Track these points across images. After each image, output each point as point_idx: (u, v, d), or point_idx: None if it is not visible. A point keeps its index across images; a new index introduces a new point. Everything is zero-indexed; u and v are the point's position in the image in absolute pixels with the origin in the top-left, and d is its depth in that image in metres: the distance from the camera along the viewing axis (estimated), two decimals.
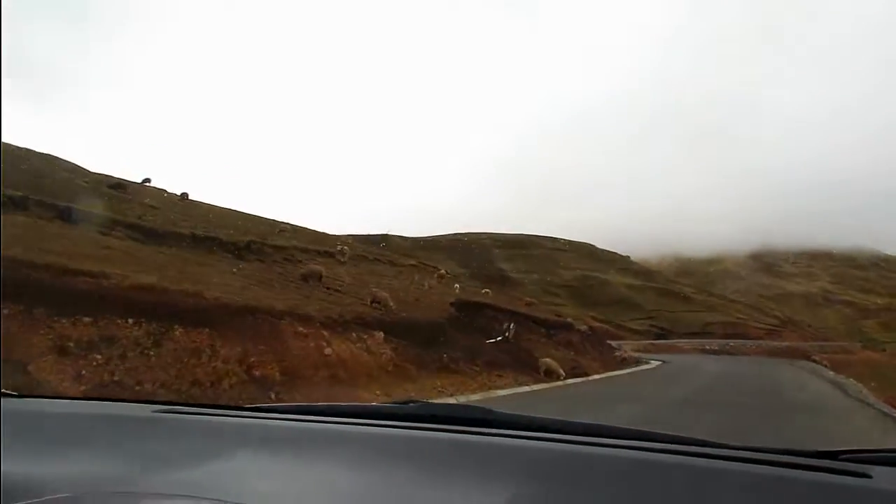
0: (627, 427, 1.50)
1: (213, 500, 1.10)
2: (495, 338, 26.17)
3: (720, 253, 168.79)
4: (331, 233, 47.11)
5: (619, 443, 1.35)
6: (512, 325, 31.28)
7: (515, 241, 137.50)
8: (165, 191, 41.62)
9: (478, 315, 28.10)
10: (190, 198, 39.63)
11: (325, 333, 15.58)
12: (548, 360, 23.39)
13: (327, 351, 14.81)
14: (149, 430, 1.64)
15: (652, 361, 46.97)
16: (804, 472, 1.19)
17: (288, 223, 38.04)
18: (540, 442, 1.37)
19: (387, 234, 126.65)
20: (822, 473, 1.18)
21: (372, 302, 20.21)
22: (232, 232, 26.28)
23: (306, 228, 38.51)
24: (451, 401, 12.81)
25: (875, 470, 1.18)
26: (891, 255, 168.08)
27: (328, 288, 21.56)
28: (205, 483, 1.21)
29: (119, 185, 32.80)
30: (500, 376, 19.81)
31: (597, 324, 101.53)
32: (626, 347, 73.27)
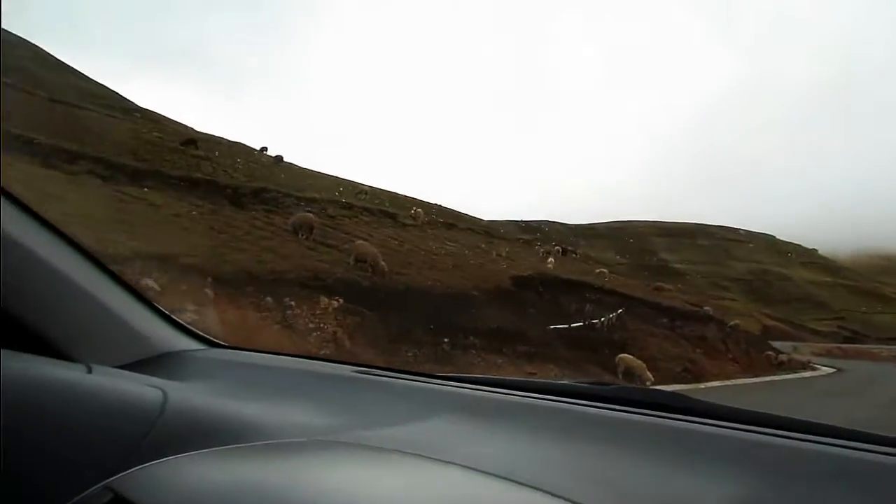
0: (850, 427, 1.23)
1: (437, 460, 1.09)
2: (571, 323, 19.09)
3: None
4: (488, 218, 42.25)
5: (838, 442, 1.14)
6: (619, 311, 23.84)
7: (682, 230, 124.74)
8: (267, 154, 38.29)
9: (560, 294, 21.09)
10: (285, 160, 36.28)
11: (209, 293, 9.79)
12: (628, 357, 15.89)
13: None
14: (350, 387, 1.66)
15: (823, 368, 37.35)
16: None
17: (369, 186, 32.92)
18: (755, 435, 1.20)
19: (545, 221, 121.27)
20: None
21: (356, 261, 14.09)
22: (258, 183, 21.38)
23: (387, 191, 33.16)
24: None
25: None
26: None
27: (317, 241, 15.75)
28: (413, 441, 1.21)
29: (190, 142, 29.62)
30: (531, 374, 12.89)
31: (771, 322, 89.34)
32: (804, 350, 62.58)
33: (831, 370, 36.44)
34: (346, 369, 1.78)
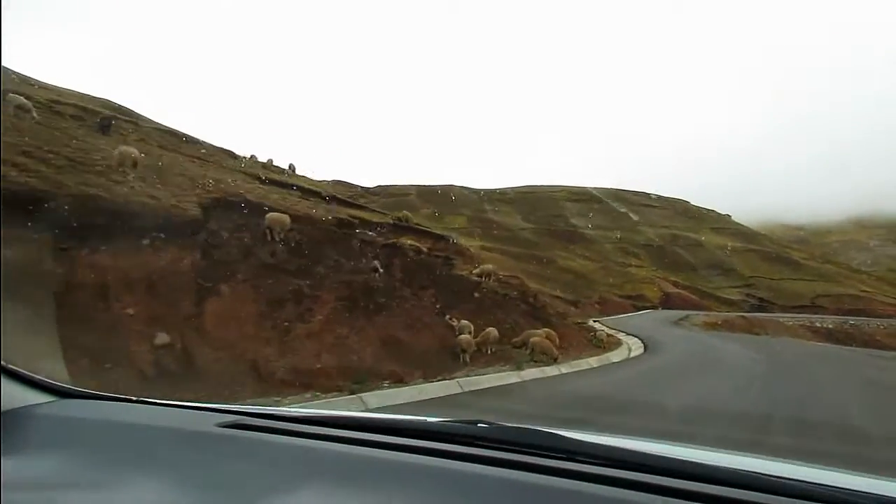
0: (748, 471, 1.13)
1: None
2: None
3: (841, 222, 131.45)
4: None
5: (737, 494, 1.03)
6: None
7: (594, 196, 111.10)
8: None
9: None
10: None
11: None
12: None
13: None
14: (214, 451, 1.45)
15: (627, 349, 22.93)
16: None
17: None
18: (644, 494, 1.07)
19: (451, 185, 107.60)
20: None
21: None
22: None
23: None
24: None
25: None
26: None
27: None
28: None
29: None
30: None
31: (674, 290, 75.57)
32: (696, 320, 51.42)
33: (641, 351, 22.57)
34: (210, 421, 1.55)
